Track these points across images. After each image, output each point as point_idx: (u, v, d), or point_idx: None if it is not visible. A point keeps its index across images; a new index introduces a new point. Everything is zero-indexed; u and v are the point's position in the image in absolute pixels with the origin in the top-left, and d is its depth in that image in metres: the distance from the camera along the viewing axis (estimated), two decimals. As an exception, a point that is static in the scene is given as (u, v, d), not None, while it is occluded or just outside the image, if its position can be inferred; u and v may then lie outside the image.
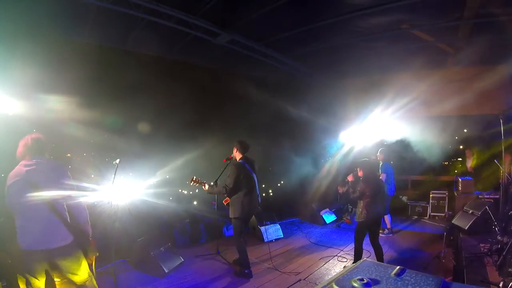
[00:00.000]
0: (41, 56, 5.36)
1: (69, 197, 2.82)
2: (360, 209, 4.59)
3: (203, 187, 4.77)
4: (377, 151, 7.02)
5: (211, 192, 4.80)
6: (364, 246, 5.81)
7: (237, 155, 4.72)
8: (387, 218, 6.63)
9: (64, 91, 6.14)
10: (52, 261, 2.72)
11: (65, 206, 2.82)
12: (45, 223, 2.68)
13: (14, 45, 5.24)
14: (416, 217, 8.26)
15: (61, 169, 2.92)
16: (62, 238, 2.74)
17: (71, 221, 2.85)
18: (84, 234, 2.92)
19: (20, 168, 2.73)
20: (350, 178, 4.94)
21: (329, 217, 7.83)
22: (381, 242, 6.20)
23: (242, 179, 4.49)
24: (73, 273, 2.81)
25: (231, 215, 4.58)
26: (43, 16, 5.50)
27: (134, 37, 6.78)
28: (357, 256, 4.71)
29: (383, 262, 4.58)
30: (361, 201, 4.60)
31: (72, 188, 2.87)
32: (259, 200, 4.81)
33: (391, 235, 6.66)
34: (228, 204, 4.65)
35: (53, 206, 2.71)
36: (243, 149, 4.71)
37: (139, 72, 7.10)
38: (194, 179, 4.81)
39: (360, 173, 4.75)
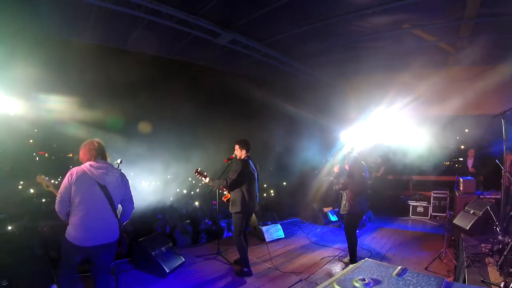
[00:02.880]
0: (42, 56, 5.37)
1: (128, 199, 3.16)
2: (344, 202, 4.78)
3: (204, 179, 4.78)
4: (377, 152, 6.95)
5: (212, 185, 4.80)
6: (364, 246, 5.83)
7: (241, 153, 4.70)
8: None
9: (64, 91, 6.16)
10: (100, 255, 2.95)
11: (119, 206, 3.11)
12: (107, 221, 2.93)
13: (15, 45, 5.25)
14: (417, 217, 8.24)
15: (126, 179, 3.17)
16: (116, 234, 3.03)
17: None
18: (122, 231, 3.20)
19: (91, 168, 2.88)
20: (336, 169, 5.01)
21: (332, 217, 7.82)
22: (382, 241, 6.24)
23: (245, 175, 4.49)
24: (106, 264, 3.08)
25: (231, 210, 4.58)
26: (43, 16, 5.52)
27: (135, 37, 6.79)
28: (352, 251, 4.82)
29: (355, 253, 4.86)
30: (345, 195, 4.77)
31: (131, 198, 3.20)
32: (257, 200, 4.81)
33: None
34: (228, 200, 4.66)
35: (114, 206, 2.97)
36: (247, 148, 4.71)
37: (139, 72, 7.12)
38: (198, 170, 4.85)
39: (346, 167, 4.87)
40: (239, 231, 4.56)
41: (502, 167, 5.04)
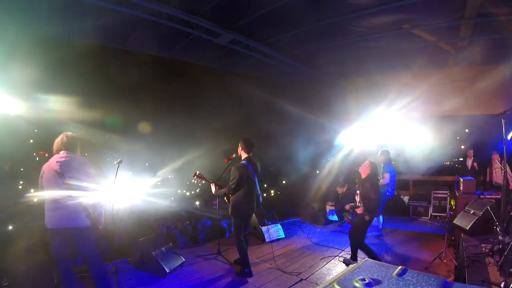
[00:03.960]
0: (41, 56, 5.36)
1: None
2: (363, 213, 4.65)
3: (211, 185, 4.81)
4: (377, 152, 6.93)
5: (218, 195, 4.80)
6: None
7: (242, 154, 4.60)
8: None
9: (64, 91, 6.15)
10: (73, 240, 3.16)
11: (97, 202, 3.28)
12: (69, 206, 3.10)
13: (15, 45, 5.25)
14: (417, 217, 8.23)
15: (86, 162, 3.35)
16: (81, 219, 3.18)
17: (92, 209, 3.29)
18: (97, 223, 3.36)
19: (52, 160, 3.17)
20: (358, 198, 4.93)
21: (332, 217, 7.83)
22: (382, 241, 6.24)
23: (244, 180, 4.42)
24: (89, 254, 3.25)
25: (230, 214, 4.58)
26: (43, 16, 5.51)
27: (134, 37, 6.78)
28: (367, 252, 4.72)
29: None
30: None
31: (90, 179, 3.27)
32: (261, 200, 4.79)
33: (381, 236, 6.47)
34: (228, 200, 4.65)
35: (75, 192, 3.11)
36: (248, 148, 4.57)
37: (139, 72, 7.11)
38: (197, 174, 4.83)
39: (364, 174, 4.77)
40: (239, 232, 4.55)
41: (502, 167, 5.05)
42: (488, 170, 7.58)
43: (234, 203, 4.50)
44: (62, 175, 3.09)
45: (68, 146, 3.28)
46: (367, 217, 4.69)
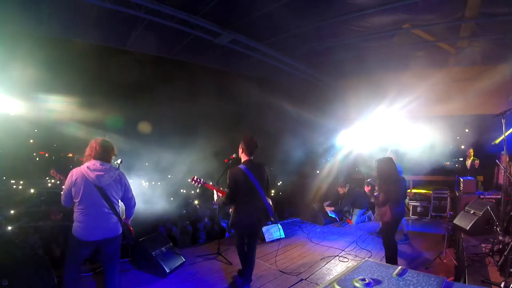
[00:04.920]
0: (42, 56, 5.37)
1: (128, 198, 3.34)
2: (384, 211, 4.34)
3: (213, 191, 4.57)
4: (377, 152, 6.90)
5: (218, 203, 4.58)
6: (364, 246, 5.84)
7: (242, 156, 4.02)
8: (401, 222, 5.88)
9: (64, 91, 6.16)
10: (104, 247, 3.15)
11: (119, 203, 3.27)
12: (106, 219, 3.09)
13: (15, 45, 5.26)
14: (417, 217, 8.23)
15: (125, 179, 3.30)
16: (117, 229, 3.19)
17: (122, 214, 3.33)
18: (127, 226, 3.42)
19: (87, 170, 3.03)
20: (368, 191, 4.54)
21: (331, 214, 7.81)
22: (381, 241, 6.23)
23: (240, 187, 3.83)
24: (112, 254, 3.24)
25: (229, 223, 4.29)
26: (43, 16, 5.52)
27: (134, 37, 6.78)
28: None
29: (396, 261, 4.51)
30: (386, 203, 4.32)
31: (131, 196, 3.36)
32: (271, 213, 4.13)
33: (407, 241, 6.07)
34: None
35: (112, 205, 3.12)
36: (249, 149, 3.97)
37: (139, 72, 7.12)
38: (195, 179, 4.74)
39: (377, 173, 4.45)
40: (240, 243, 4.15)
41: (502, 167, 5.04)
42: (496, 170, 7.47)
43: (232, 214, 4.04)
44: (101, 189, 3.04)
45: (104, 156, 3.17)
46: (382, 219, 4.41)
